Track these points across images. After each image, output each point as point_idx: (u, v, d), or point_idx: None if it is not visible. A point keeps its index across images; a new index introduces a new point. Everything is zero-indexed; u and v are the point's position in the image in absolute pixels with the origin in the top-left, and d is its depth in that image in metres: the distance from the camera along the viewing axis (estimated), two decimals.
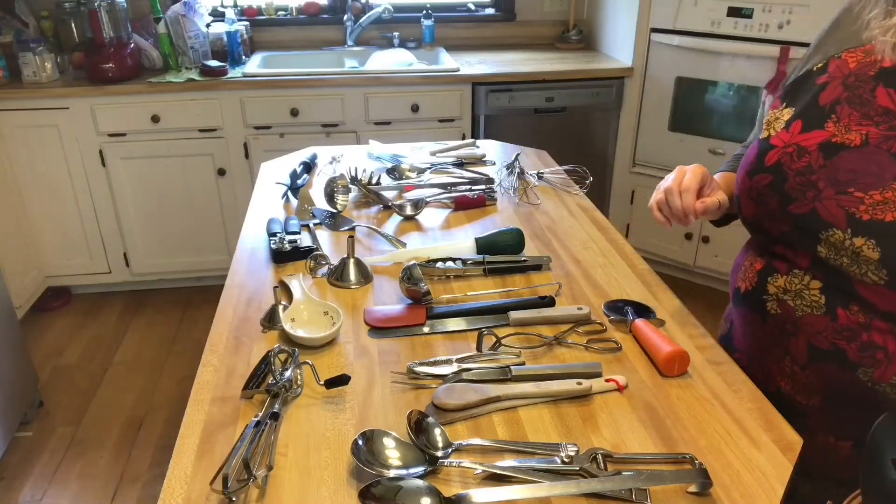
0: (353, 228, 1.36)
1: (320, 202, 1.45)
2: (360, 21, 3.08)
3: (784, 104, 0.90)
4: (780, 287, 0.88)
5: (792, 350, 0.88)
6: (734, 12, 2.55)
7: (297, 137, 2.74)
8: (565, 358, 0.98)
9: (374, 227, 1.37)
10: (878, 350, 0.78)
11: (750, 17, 2.52)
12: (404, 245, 1.30)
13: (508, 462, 0.78)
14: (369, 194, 1.48)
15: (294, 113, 2.73)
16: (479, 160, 1.73)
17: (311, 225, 1.37)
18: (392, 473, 0.75)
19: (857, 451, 0.85)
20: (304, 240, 1.29)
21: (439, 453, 0.78)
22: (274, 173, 1.65)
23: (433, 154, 1.75)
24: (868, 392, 0.81)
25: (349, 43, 3.14)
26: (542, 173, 1.63)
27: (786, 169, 0.84)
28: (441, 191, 1.52)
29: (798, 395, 0.89)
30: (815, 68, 0.87)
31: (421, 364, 0.93)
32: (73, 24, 2.86)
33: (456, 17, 3.30)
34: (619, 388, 0.91)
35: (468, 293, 1.14)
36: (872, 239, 0.75)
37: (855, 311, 0.79)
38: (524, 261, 1.22)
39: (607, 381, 0.91)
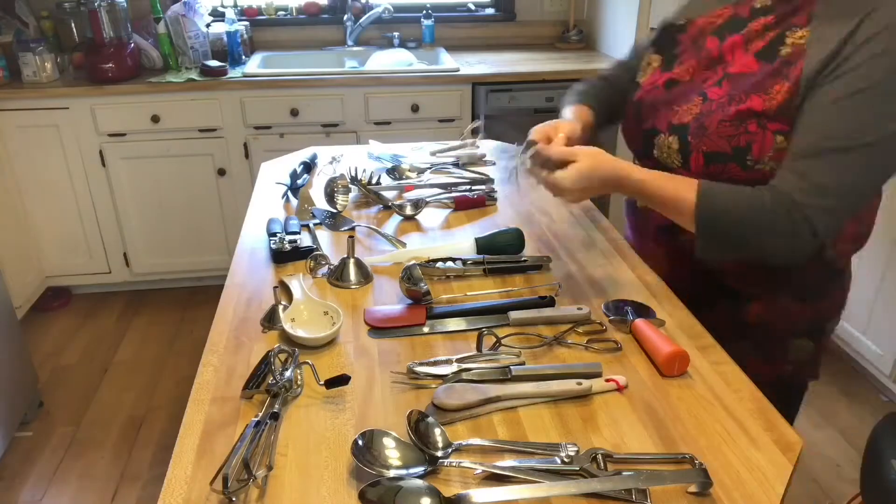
0: (353, 228, 1.36)
1: (320, 202, 1.45)
2: (360, 21, 3.08)
3: (654, 49, 1.19)
4: None
5: (649, 232, 1.20)
6: None
7: (297, 137, 2.74)
8: (565, 358, 0.98)
9: (374, 227, 1.37)
10: None
11: None
12: (404, 245, 1.30)
13: (508, 462, 0.78)
14: (369, 194, 1.48)
15: (294, 113, 2.73)
16: (479, 160, 1.73)
17: (311, 225, 1.37)
18: (392, 473, 0.75)
19: (690, 307, 1.09)
20: (304, 240, 1.29)
21: (439, 453, 0.78)
22: (274, 173, 1.65)
23: (433, 154, 1.75)
24: (689, 253, 1.03)
25: (349, 43, 3.14)
26: None
27: (642, 102, 1.14)
28: (441, 191, 1.52)
29: (656, 269, 1.19)
30: (677, 23, 1.15)
31: (421, 364, 0.93)
32: (73, 24, 2.86)
33: (456, 17, 3.30)
34: (619, 388, 0.91)
35: (468, 293, 1.14)
36: (677, 135, 1.06)
37: None
38: (524, 261, 1.22)
39: (607, 381, 0.91)
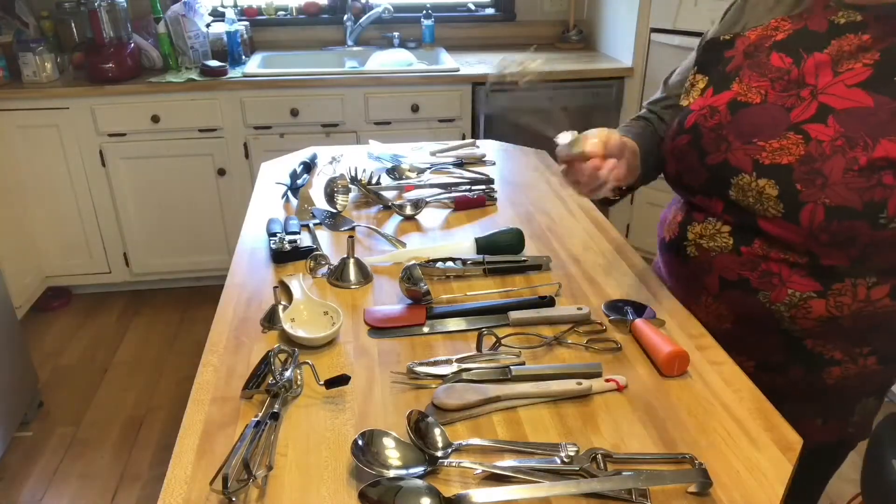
0: (353, 228, 1.36)
1: (320, 202, 1.45)
2: (360, 21, 3.08)
3: (696, 69, 1.06)
4: (697, 234, 1.04)
5: (707, 285, 1.04)
6: None
7: (297, 137, 2.74)
8: (565, 358, 0.98)
9: (373, 227, 1.37)
10: (774, 276, 0.94)
11: None
12: (404, 245, 1.30)
13: (508, 462, 0.78)
14: (369, 194, 1.48)
15: (294, 113, 2.73)
16: (479, 160, 1.73)
17: (311, 225, 1.37)
18: (392, 473, 0.75)
19: (757, 370, 1.01)
20: (304, 240, 1.29)
21: (439, 453, 0.78)
22: (274, 173, 1.65)
23: (433, 154, 1.75)
24: (766, 313, 0.97)
25: (349, 43, 3.14)
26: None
27: (701, 127, 0.98)
28: (441, 191, 1.52)
29: (712, 324, 1.05)
30: (722, 38, 1.03)
31: (421, 364, 0.93)
32: (73, 24, 2.86)
33: (456, 17, 3.30)
34: (619, 388, 0.91)
35: (468, 293, 1.14)
36: (772, 179, 0.91)
37: (756, 246, 0.96)
38: (524, 261, 1.21)
39: (607, 381, 0.91)
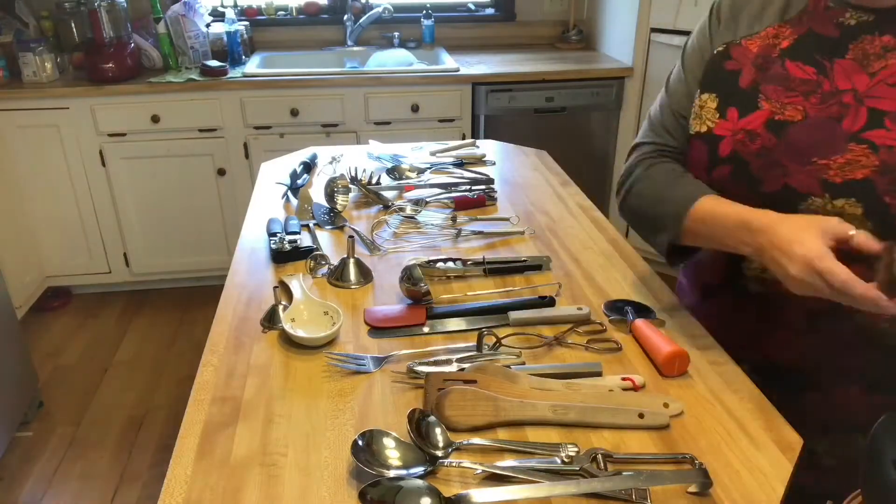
0: (342, 228, 1.36)
1: (320, 202, 1.45)
2: (360, 21, 3.08)
3: (700, 90, 0.98)
4: (757, 268, 0.94)
5: (788, 319, 0.93)
6: None
7: (297, 137, 2.74)
8: (565, 358, 0.98)
9: (355, 228, 1.36)
10: None
11: None
12: (379, 249, 1.29)
13: (508, 462, 0.78)
14: (369, 194, 1.48)
15: (294, 113, 2.73)
16: (479, 160, 1.73)
17: (311, 225, 1.37)
18: (392, 473, 0.75)
19: (869, 392, 0.91)
20: (304, 240, 1.29)
21: (439, 453, 0.78)
22: (274, 173, 1.65)
23: (433, 154, 1.75)
24: (868, 333, 0.87)
25: (349, 43, 3.14)
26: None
27: (743, 155, 0.90)
28: (441, 191, 1.52)
29: (801, 361, 0.94)
30: (716, 52, 0.97)
31: (421, 364, 0.93)
32: (73, 24, 2.86)
33: (456, 17, 3.30)
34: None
35: (468, 293, 1.14)
36: (852, 198, 0.82)
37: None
38: (524, 261, 1.22)
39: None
